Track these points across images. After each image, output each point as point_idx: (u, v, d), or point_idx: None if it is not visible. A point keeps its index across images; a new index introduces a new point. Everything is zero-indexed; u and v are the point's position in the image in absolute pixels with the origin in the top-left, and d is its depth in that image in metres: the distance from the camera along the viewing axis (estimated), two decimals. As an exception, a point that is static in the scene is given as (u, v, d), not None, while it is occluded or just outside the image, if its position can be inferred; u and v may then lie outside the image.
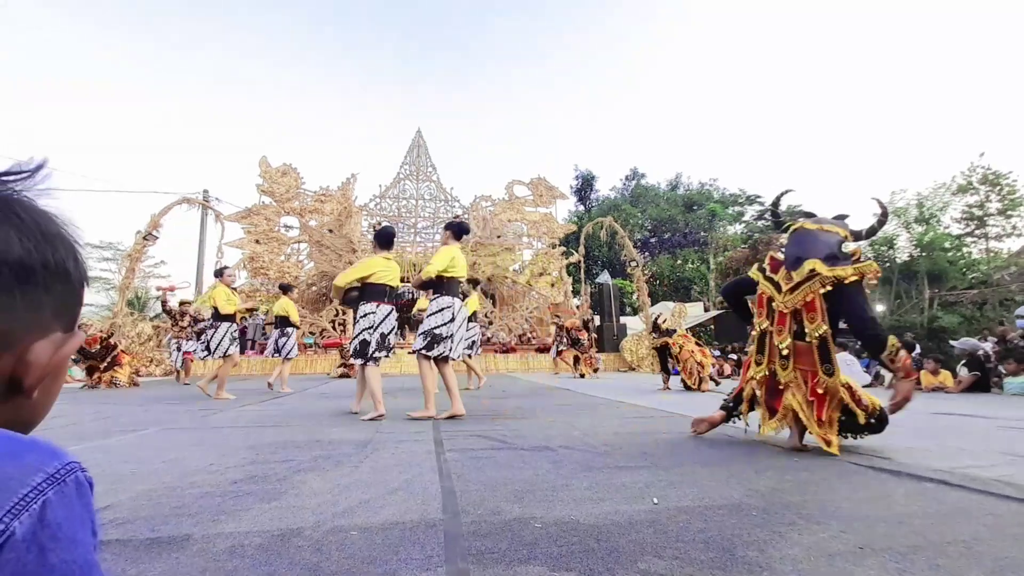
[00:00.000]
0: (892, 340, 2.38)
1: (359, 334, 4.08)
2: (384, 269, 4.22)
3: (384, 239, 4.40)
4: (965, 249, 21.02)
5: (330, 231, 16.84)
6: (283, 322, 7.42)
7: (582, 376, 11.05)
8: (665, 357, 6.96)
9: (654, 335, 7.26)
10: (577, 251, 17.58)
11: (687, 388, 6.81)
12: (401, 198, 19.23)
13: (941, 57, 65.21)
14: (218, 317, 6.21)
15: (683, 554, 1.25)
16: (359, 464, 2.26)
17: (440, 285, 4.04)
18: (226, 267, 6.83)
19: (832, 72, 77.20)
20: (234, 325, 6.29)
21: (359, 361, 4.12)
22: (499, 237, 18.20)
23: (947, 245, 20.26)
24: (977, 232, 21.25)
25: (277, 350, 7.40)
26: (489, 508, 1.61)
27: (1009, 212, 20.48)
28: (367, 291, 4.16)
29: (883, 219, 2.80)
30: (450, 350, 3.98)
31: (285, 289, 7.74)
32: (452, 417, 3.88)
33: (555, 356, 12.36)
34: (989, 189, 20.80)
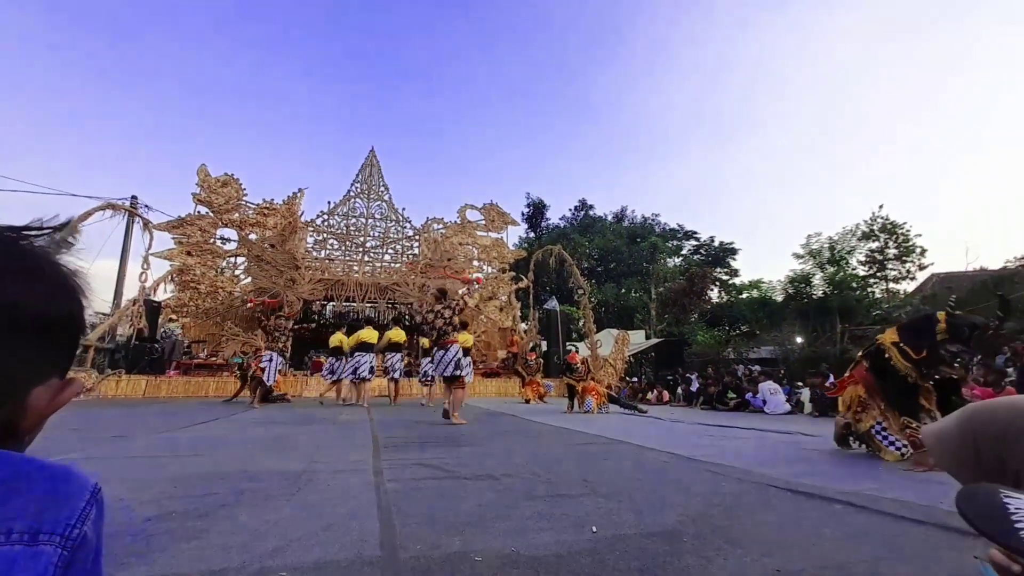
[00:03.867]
0: None
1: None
2: (367, 337, 9.07)
3: (368, 325, 9.98)
4: (869, 289, 23.55)
5: (272, 246, 16.01)
6: (364, 347, 9.65)
7: (527, 401, 11.08)
8: (572, 390, 8.57)
9: (565, 374, 8.90)
10: (526, 277, 17.86)
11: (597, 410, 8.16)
12: (351, 216, 18.70)
13: (861, 109, 74.43)
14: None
15: (618, 583, 1.29)
16: (291, 497, 2.14)
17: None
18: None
19: (761, 114, 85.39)
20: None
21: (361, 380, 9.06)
22: (449, 260, 18.12)
23: (854, 285, 22.58)
24: (878, 274, 23.98)
25: (354, 371, 9.29)
26: (429, 543, 1.57)
27: (904, 258, 23.34)
28: (359, 346, 9.04)
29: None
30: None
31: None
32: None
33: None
34: (888, 237, 23.65)
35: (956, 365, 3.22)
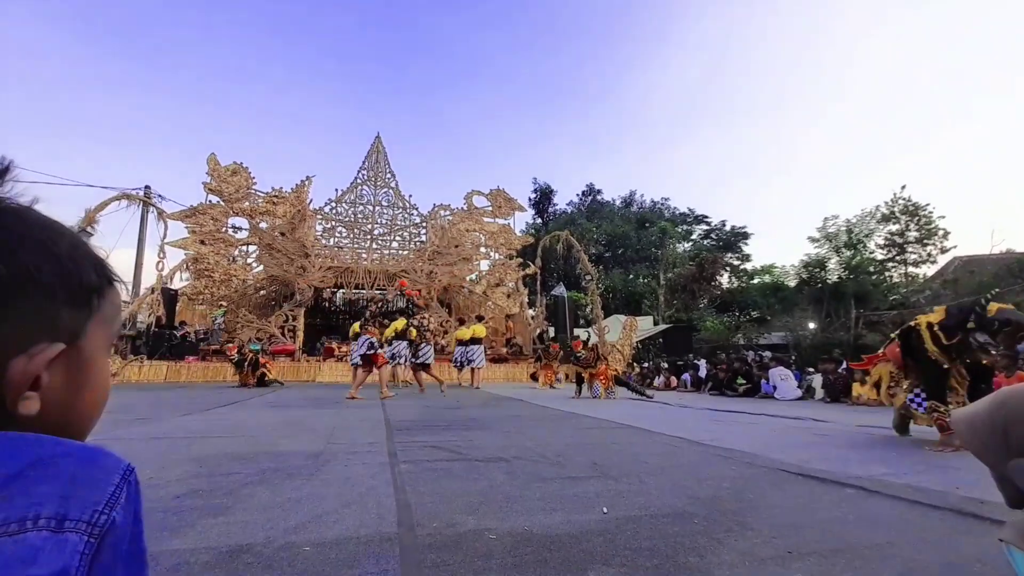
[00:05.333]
0: None
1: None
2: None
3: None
4: (887, 273, 23.08)
5: (282, 234, 16.17)
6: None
7: (551, 385, 11.27)
8: (580, 376, 8.64)
9: (571, 362, 8.88)
10: (534, 263, 17.84)
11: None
12: (358, 203, 18.77)
13: (880, 88, 72.20)
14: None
15: (630, 562, 1.32)
16: (311, 477, 2.20)
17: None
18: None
19: (776, 94, 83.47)
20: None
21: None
22: (457, 247, 18.13)
23: (871, 269, 22.17)
24: (897, 258, 23.44)
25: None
26: (444, 521, 1.62)
27: (925, 241, 22.74)
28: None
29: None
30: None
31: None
32: None
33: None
34: (909, 219, 23.02)
35: (993, 354, 3.20)
